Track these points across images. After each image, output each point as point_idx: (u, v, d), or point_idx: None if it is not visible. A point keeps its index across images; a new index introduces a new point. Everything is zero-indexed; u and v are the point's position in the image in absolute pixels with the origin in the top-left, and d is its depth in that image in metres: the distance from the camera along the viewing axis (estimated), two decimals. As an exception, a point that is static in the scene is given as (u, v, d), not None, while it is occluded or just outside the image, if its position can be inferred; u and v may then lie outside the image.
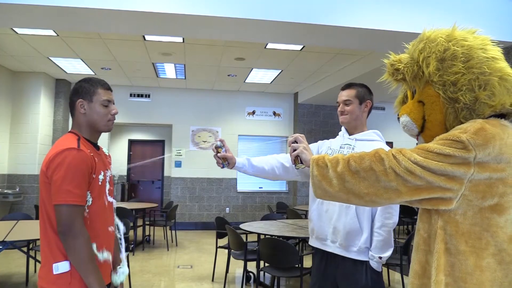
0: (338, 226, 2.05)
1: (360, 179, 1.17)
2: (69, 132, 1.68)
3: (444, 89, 1.18)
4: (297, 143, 1.56)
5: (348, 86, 2.23)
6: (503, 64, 1.17)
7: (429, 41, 1.23)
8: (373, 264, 2.00)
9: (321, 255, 2.17)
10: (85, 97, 1.66)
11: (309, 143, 1.98)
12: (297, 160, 1.52)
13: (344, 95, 2.20)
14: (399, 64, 1.27)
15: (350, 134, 2.22)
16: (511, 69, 1.17)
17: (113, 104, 1.73)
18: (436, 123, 1.23)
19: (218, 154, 2.01)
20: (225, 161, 2.03)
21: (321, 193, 1.28)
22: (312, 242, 2.22)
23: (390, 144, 10.10)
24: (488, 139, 1.07)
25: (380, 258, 1.99)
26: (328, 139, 2.37)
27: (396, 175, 1.13)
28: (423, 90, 1.25)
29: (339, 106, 2.22)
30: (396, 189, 1.14)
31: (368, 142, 2.14)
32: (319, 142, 2.37)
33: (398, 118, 1.34)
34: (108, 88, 1.72)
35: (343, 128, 2.28)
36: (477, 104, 1.15)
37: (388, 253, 2.01)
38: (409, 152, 1.14)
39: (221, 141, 2.05)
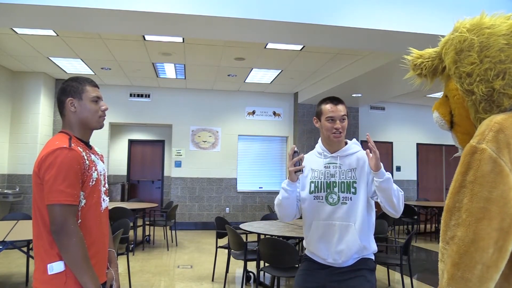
0: (340, 246, 2.02)
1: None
2: (60, 132, 1.67)
3: (460, 82, 1.12)
4: None
5: (339, 100, 2.09)
6: None
7: (453, 33, 1.17)
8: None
9: (315, 263, 2.13)
10: (75, 96, 1.66)
11: (308, 144, 1.96)
12: None
13: (342, 110, 2.04)
14: (418, 59, 1.23)
15: (331, 152, 2.11)
16: None
17: (102, 100, 1.73)
18: (462, 118, 1.17)
19: (298, 159, 1.94)
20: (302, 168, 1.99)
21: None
22: (311, 256, 2.16)
23: (390, 144, 10.10)
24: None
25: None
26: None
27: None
28: (447, 84, 1.20)
29: (333, 122, 2.04)
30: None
31: (351, 155, 2.09)
32: None
33: None
34: (95, 85, 1.73)
35: (320, 146, 2.17)
36: (495, 94, 1.07)
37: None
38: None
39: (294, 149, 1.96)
